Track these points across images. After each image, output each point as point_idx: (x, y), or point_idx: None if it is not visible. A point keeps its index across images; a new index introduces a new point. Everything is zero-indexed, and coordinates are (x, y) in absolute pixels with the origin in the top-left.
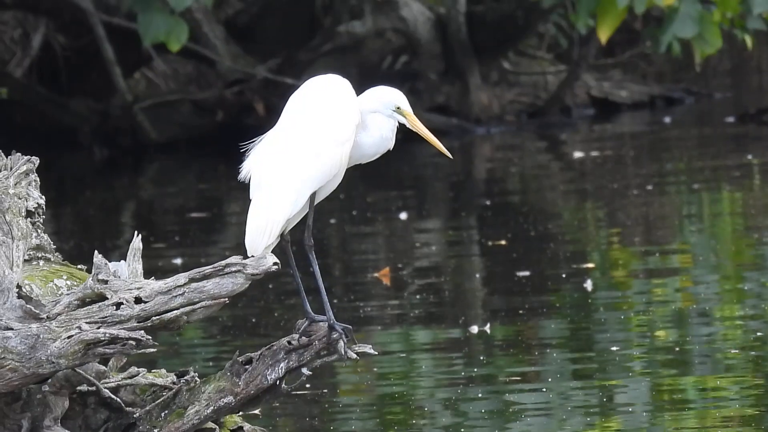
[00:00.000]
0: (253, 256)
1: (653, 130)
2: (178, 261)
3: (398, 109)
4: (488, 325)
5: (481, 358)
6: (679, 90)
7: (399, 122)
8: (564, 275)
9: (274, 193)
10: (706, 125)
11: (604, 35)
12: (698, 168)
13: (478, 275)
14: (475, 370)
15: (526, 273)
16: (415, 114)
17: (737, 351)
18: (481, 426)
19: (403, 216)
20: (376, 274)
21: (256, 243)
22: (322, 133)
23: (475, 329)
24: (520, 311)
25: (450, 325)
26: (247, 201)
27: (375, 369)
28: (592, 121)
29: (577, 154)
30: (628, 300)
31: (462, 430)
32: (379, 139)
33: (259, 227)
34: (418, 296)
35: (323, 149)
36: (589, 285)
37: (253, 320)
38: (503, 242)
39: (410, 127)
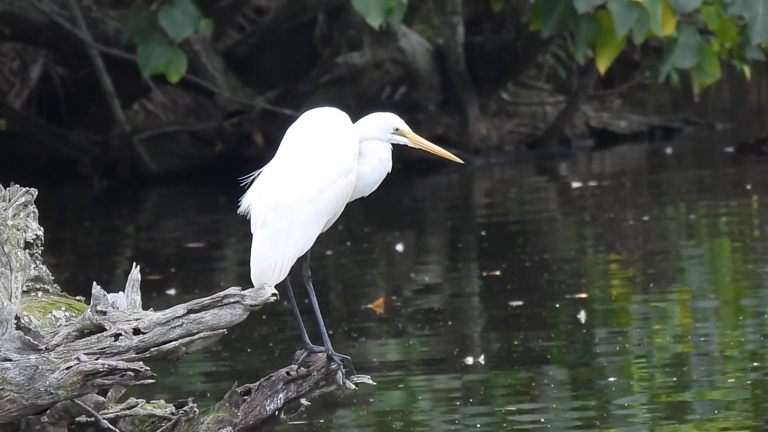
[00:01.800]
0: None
1: (652, 161)
2: (172, 292)
3: (397, 131)
4: (482, 356)
5: (478, 389)
6: (678, 120)
7: (401, 143)
8: (558, 306)
9: (284, 232)
10: (705, 155)
11: (603, 66)
12: (696, 198)
13: (472, 306)
14: (471, 401)
15: (520, 303)
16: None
17: (736, 381)
18: None
19: (399, 247)
20: (369, 305)
21: (266, 280)
22: (325, 167)
23: (470, 360)
24: (516, 342)
25: (445, 356)
26: (246, 232)
27: (371, 399)
28: (590, 152)
29: (576, 185)
30: (622, 331)
31: None
32: (378, 163)
33: (269, 266)
34: (412, 327)
35: (329, 183)
36: (582, 316)
37: (249, 350)
38: (498, 273)
39: (413, 146)
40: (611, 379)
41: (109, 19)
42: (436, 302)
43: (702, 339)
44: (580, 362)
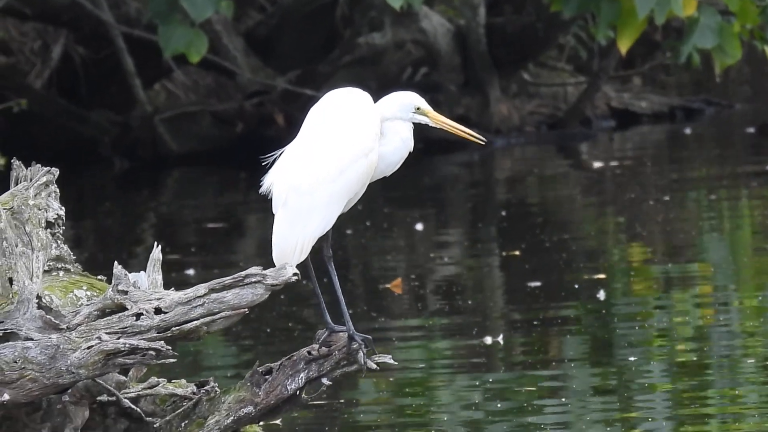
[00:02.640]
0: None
1: (673, 141)
2: (191, 272)
3: (418, 110)
4: (501, 336)
5: (498, 369)
6: (699, 101)
7: (422, 123)
8: (576, 286)
9: (305, 212)
10: (725, 136)
11: (624, 46)
12: (717, 178)
13: (491, 286)
14: (490, 380)
15: (538, 284)
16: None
17: (756, 361)
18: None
19: (419, 227)
20: (387, 285)
21: (287, 260)
22: (346, 148)
23: (489, 340)
24: (535, 322)
25: (463, 336)
26: (266, 213)
27: (391, 379)
28: (611, 132)
29: (597, 165)
30: (642, 311)
31: None
32: (400, 142)
33: (290, 246)
34: (430, 307)
35: (350, 163)
36: (602, 295)
37: (267, 330)
38: (517, 253)
39: (434, 125)
40: (631, 359)
41: None
42: (454, 282)
43: (722, 318)
44: (600, 343)
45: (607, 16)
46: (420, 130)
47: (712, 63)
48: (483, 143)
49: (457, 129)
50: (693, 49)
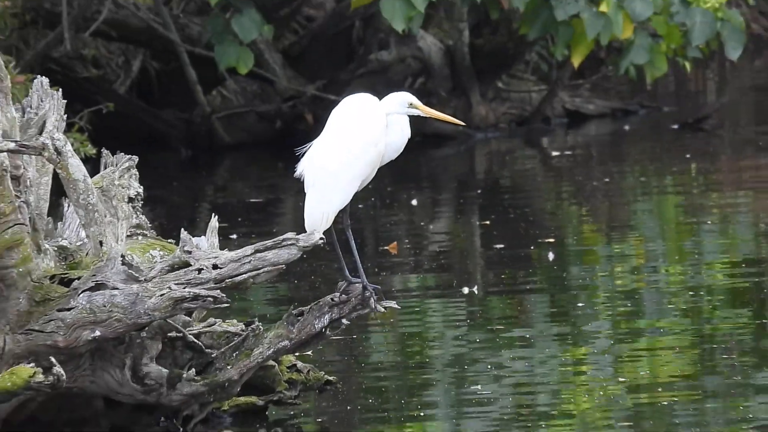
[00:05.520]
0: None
1: (614, 136)
2: (234, 236)
3: (411, 105)
4: (476, 287)
5: (476, 312)
6: (634, 104)
7: (415, 114)
8: (532, 247)
9: (328, 191)
10: (655, 132)
11: (576, 61)
12: (647, 164)
13: (467, 248)
14: (470, 321)
15: (502, 246)
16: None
17: (675, 308)
18: (481, 353)
19: (415, 202)
20: (386, 247)
21: (316, 227)
22: (360, 140)
23: (466, 290)
24: (502, 276)
25: (446, 287)
26: (298, 191)
27: (392, 320)
28: (566, 128)
29: (554, 153)
30: (585, 266)
31: (466, 359)
32: (400, 131)
33: (318, 217)
34: (420, 264)
35: (362, 152)
36: (551, 255)
37: (295, 281)
38: (487, 222)
39: (425, 115)
40: (579, 304)
41: (192, 24)
42: (440, 245)
43: (651, 275)
44: (553, 291)
45: (564, 37)
46: (417, 126)
47: (645, 75)
48: (462, 125)
49: (441, 116)
50: (630, 63)
